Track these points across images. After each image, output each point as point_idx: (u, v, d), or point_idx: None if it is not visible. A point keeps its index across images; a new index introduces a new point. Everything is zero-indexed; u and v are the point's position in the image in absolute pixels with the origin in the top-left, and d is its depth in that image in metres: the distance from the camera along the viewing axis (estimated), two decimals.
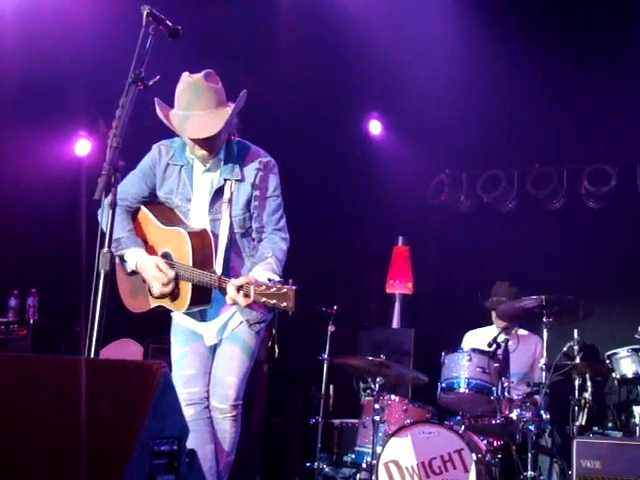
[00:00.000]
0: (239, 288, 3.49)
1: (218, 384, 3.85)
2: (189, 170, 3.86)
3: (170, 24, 3.09)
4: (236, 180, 3.81)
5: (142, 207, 3.95)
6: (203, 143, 3.69)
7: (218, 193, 3.82)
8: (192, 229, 3.77)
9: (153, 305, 3.84)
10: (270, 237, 3.86)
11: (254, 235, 3.86)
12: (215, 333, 3.88)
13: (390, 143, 8.51)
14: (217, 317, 3.87)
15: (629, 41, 6.89)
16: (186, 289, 3.71)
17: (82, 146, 8.29)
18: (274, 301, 3.41)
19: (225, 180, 3.81)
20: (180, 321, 3.96)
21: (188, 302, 3.71)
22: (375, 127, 8.58)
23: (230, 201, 3.79)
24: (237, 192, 3.80)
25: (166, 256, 3.79)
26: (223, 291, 3.59)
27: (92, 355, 2.68)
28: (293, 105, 7.42)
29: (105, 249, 2.90)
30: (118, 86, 3.10)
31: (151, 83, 3.00)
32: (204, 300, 3.75)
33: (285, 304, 3.40)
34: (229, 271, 3.76)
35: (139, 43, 2.98)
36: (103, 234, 2.98)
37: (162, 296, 3.74)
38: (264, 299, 3.44)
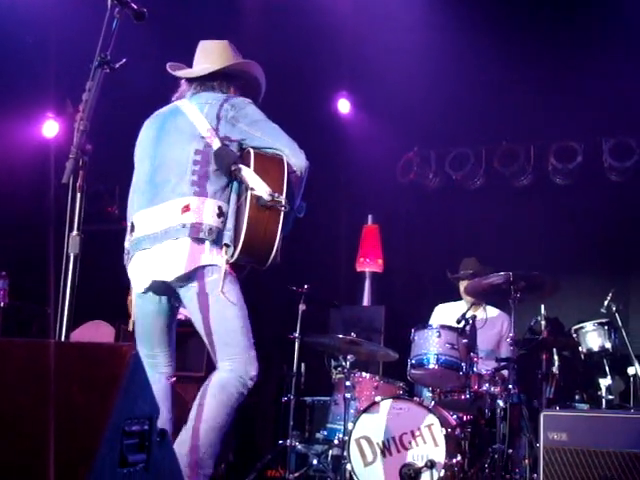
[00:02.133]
0: None
1: None
2: None
3: (135, 7, 3.08)
4: None
5: None
6: None
7: None
8: None
9: None
10: None
11: None
12: None
13: (359, 122, 8.53)
14: None
15: (596, 18, 6.96)
16: None
17: (50, 127, 8.24)
18: None
19: None
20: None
21: None
22: (343, 106, 8.59)
23: None
24: None
25: None
26: None
27: (63, 338, 2.70)
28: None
29: (74, 232, 2.89)
30: (86, 66, 3.08)
31: (117, 66, 3.00)
32: None
33: None
34: None
35: (104, 26, 2.98)
36: (72, 217, 2.96)
37: None
38: None
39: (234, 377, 3.49)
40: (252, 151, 3.61)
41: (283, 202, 3.47)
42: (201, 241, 3.50)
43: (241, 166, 3.53)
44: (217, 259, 3.51)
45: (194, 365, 6.17)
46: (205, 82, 3.84)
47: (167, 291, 3.66)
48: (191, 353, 6.12)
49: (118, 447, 2.05)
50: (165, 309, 3.73)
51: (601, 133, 7.52)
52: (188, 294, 3.56)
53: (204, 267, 3.50)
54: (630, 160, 7.38)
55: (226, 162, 3.53)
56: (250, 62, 3.94)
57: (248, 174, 3.50)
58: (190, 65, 3.98)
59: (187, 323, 5.90)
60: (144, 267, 3.63)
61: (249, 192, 3.49)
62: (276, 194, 3.47)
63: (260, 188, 3.46)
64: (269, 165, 3.59)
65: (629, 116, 7.22)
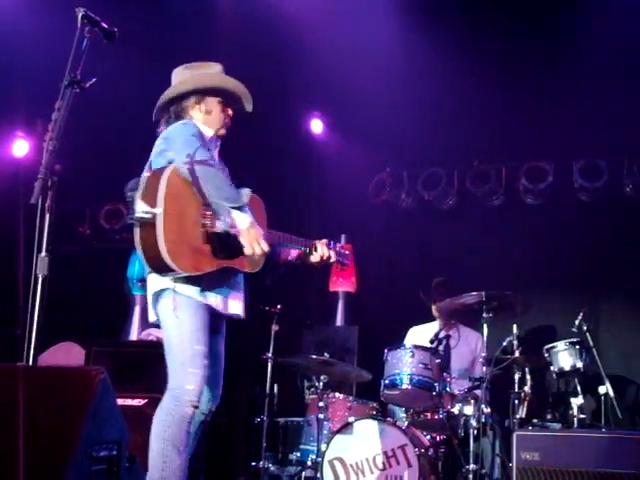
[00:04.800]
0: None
1: (219, 383, 3.91)
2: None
3: (106, 26, 3.07)
4: None
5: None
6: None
7: None
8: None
9: (219, 267, 3.65)
10: None
11: None
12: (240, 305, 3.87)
13: (331, 142, 8.55)
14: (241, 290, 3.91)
15: (566, 40, 7.04)
16: None
17: (20, 147, 8.17)
18: (343, 259, 4.27)
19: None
20: (205, 300, 3.69)
21: (263, 262, 3.81)
22: (316, 126, 8.61)
23: None
24: None
25: None
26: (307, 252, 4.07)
27: (30, 361, 2.66)
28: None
29: (43, 253, 2.86)
30: (57, 85, 3.07)
31: (88, 85, 2.98)
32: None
33: (348, 262, 4.30)
34: None
35: (74, 45, 2.96)
36: (40, 237, 2.93)
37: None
38: (339, 257, 4.21)
39: (169, 394, 3.56)
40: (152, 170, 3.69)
41: (151, 214, 3.44)
42: None
43: (129, 194, 3.59)
44: (163, 282, 3.64)
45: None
46: (163, 115, 3.96)
47: None
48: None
49: (86, 473, 2.02)
50: None
51: (571, 154, 7.59)
52: None
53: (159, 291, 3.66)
54: (600, 180, 7.45)
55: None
56: (196, 77, 3.97)
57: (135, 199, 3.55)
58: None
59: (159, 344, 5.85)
60: None
61: None
62: (148, 208, 3.46)
63: (138, 207, 3.48)
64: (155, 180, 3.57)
65: (598, 137, 7.29)
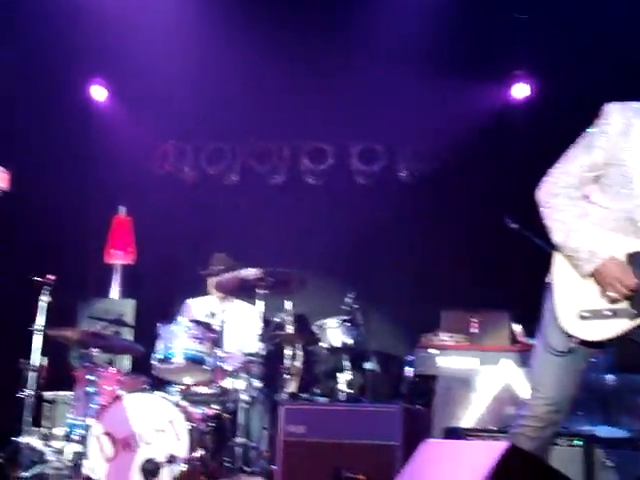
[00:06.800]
0: None
1: None
2: None
3: None
4: None
5: None
6: None
7: None
8: None
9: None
10: None
11: None
12: None
13: (113, 110, 8.34)
14: None
15: (343, 27, 7.28)
16: None
17: None
18: None
19: None
20: None
21: None
22: (98, 93, 8.35)
23: None
24: None
25: None
26: None
27: None
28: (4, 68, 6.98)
29: None
30: None
31: None
32: None
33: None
34: None
35: None
36: None
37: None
38: None
39: None
40: None
41: None
42: None
43: None
44: None
45: None
46: None
47: None
48: None
49: None
50: None
51: (350, 138, 7.86)
52: None
53: None
54: (376, 164, 7.76)
55: None
56: None
57: None
58: None
59: None
60: None
61: None
62: None
63: None
64: None
65: (376, 123, 7.59)
